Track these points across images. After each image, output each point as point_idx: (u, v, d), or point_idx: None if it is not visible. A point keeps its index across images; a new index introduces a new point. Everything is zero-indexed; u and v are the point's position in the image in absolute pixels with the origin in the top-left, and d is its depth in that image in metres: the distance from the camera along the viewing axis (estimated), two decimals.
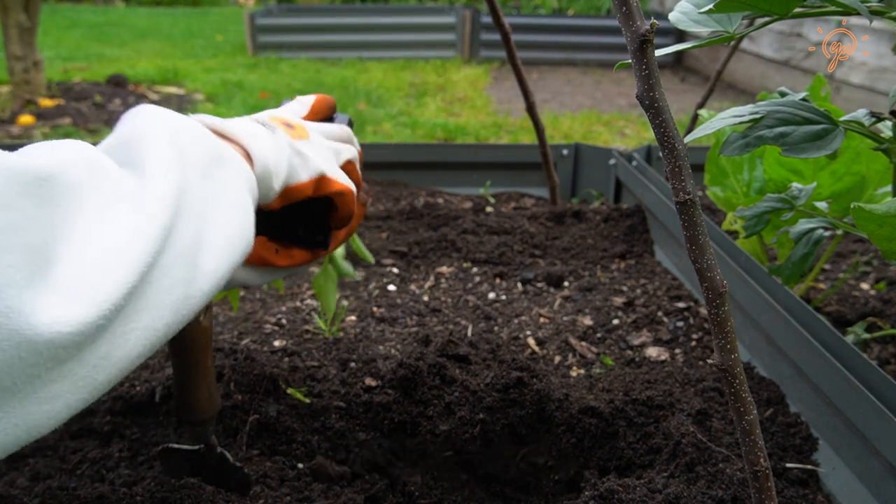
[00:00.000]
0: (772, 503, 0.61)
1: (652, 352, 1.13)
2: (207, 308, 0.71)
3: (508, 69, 4.99)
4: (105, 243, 0.45)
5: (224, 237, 0.56)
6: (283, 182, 0.69)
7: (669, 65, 5.50)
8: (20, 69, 3.71)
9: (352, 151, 0.83)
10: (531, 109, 1.64)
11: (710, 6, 0.58)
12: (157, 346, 0.49)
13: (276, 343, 1.11)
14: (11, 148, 0.50)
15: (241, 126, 0.68)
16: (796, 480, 0.85)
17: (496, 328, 1.19)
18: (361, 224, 1.62)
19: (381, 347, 1.10)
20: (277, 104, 0.89)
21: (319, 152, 0.76)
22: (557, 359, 1.11)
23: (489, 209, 1.76)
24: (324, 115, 0.87)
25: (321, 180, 0.74)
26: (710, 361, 1.09)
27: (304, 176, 0.72)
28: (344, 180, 0.78)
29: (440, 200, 1.81)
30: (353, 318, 1.22)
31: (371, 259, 1.05)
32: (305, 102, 0.85)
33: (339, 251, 0.98)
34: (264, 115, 0.76)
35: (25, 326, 0.38)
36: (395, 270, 1.42)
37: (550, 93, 4.57)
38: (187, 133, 0.59)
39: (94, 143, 0.55)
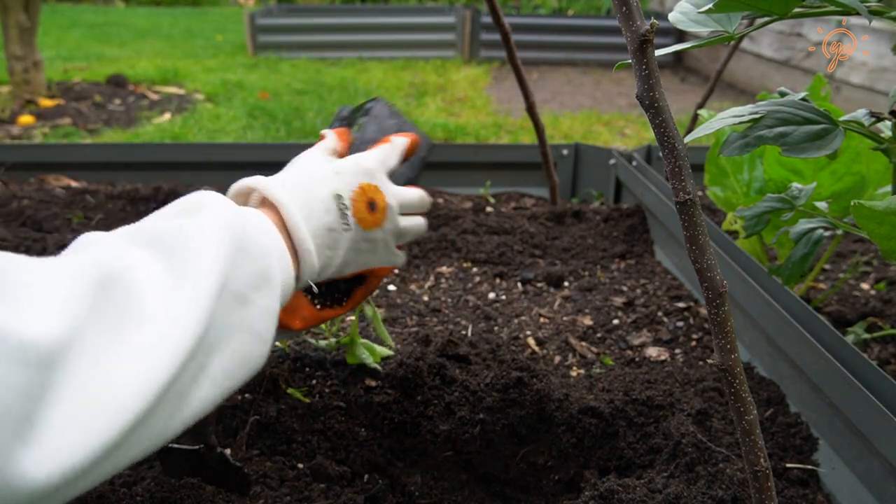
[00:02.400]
0: (772, 503, 0.61)
1: (652, 352, 1.13)
2: None
3: (508, 69, 4.99)
4: (101, 396, 0.43)
5: (227, 369, 0.53)
6: (324, 277, 0.70)
7: (669, 65, 5.50)
8: (20, 69, 3.71)
9: (419, 228, 0.83)
10: (531, 109, 1.64)
11: (710, 6, 0.58)
12: (115, 472, 0.47)
13: (277, 343, 1.12)
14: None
15: (310, 226, 0.67)
16: (796, 480, 0.85)
17: (496, 328, 1.19)
18: None
19: (381, 347, 1.10)
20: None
21: (382, 245, 0.76)
22: (557, 359, 1.11)
23: (489, 209, 1.76)
24: (410, 154, 0.87)
25: (367, 272, 0.76)
26: (710, 361, 1.09)
27: (348, 271, 0.73)
28: (391, 264, 0.79)
29: (440, 200, 1.81)
30: (353, 317, 1.22)
31: (391, 346, 1.03)
32: (398, 147, 0.82)
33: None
34: (355, 181, 0.73)
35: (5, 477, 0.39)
36: (395, 270, 1.42)
37: (550, 93, 4.57)
38: (247, 247, 0.56)
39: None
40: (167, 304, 0.48)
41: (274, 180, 0.69)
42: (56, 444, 0.41)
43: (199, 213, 0.56)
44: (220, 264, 0.52)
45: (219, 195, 0.61)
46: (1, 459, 0.39)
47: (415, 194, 0.83)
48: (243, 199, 0.71)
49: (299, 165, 0.75)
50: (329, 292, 0.81)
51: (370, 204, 0.73)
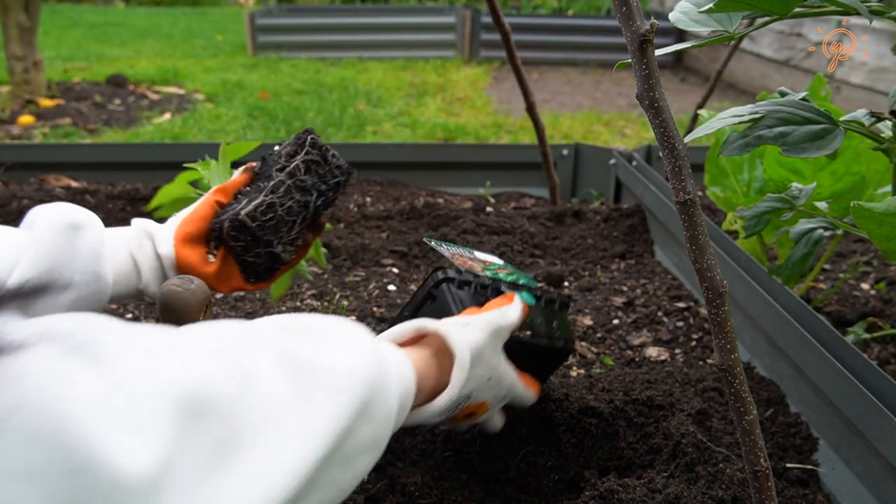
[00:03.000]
0: (772, 503, 0.61)
1: (652, 352, 1.13)
2: (207, 307, 0.71)
3: (508, 69, 4.98)
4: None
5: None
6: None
7: (669, 65, 5.50)
8: (20, 69, 3.71)
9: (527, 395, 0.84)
10: (531, 109, 1.64)
11: (710, 6, 0.58)
12: None
13: None
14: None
15: (470, 395, 0.71)
16: (796, 480, 0.85)
17: None
18: (362, 223, 1.62)
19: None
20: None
21: (507, 396, 0.80)
22: None
23: (489, 209, 1.76)
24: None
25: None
26: (710, 361, 1.09)
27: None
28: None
29: (440, 200, 1.81)
30: (353, 317, 1.22)
31: (324, 264, 1.11)
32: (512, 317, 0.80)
33: None
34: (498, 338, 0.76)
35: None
36: (395, 270, 1.42)
37: (550, 93, 4.56)
38: (373, 410, 0.53)
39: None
40: (270, 447, 0.44)
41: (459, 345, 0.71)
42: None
43: (343, 348, 0.54)
44: (342, 423, 0.49)
45: (366, 332, 0.59)
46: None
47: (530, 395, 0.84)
48: (416, 335, 0.73)
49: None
50: (259, 270, 0.87)
51: (467, 415, 0.77)
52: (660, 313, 1.25)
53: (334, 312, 1.21)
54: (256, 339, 0.49)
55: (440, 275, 0.82)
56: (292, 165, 0.85)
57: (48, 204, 0.79)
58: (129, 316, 1.23)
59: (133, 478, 0.35)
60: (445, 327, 0.71)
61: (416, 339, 0.73)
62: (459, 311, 0.79)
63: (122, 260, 0.81)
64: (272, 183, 0.84)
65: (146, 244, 0.82)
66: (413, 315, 0.85)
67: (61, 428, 0.34)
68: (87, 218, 0.79)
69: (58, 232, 0.75)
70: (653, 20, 0.50)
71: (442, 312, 0.81)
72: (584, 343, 1.16)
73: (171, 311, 0.67)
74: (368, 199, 1.84)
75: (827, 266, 1.47)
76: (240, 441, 0.42)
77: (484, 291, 0.83)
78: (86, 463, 0.34)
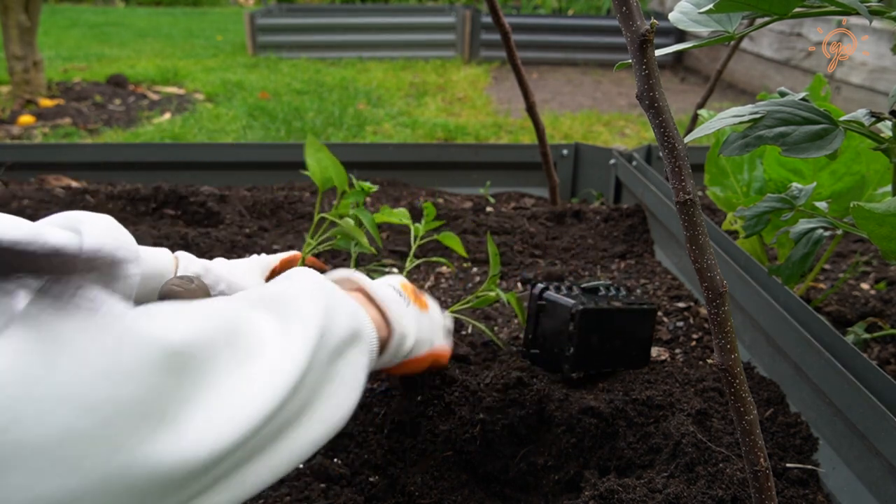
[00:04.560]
0: (772, 503, 0.61)
1: (652, 352, 1.13)
2: None
3: (508, 69, 4.98)
4: (225, 408, 0.48)
5: (325, 416, 0.60)
6: (408, 352, 0.78)
7: (669, 65, 5.50)
8: (20, 69, 3.71)
9: (450, 322, 0.94)
10: (531, 109, 1.64)
11: (710, 6, 0.58)
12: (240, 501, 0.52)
13: None
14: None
15: (390, 297, 0.76)
16: (796, 480, 0.85)
17: (496, 328, 1.19)
18: None
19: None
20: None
21: (435, 325, 0.87)
22: None
23: (489, 209, 1.76)
24: None
25: (434, 355, 0.85)
26: (710, 361, 1.09)
27: (423, 350, 0.82)
28: (447, 348, 0.90)
29: (440, 200, 1.81)
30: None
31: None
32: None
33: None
34: (397, 280, 0.84)
35: (140, 465, 0.42)
36: (395, 270, 1.42)
37: (550, 93, 4.56)
38: (339, 311, 0.63)
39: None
40: (278, 344, 0.55)
41: (356, 274, 0.79)
42: (191, 436, 0.45)
43: (297, 280, 0.64)
44: (318, 318, 0.59)
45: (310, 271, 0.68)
46: (135, 453, 0.42)
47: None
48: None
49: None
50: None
51: (415, 293, 0.84)
52: (660, 313, 1.24)
53: None
54: (231, 302, 0.58)
55: (539, 287, 1.00)
56: None
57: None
58: None
59: (177, 340, 0.45)
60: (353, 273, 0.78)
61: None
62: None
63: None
64: None
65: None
66: (534, 331, 1.00)
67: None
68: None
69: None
70: (653, 20, 0.50)
71: (556, 316, 0.97)
72: None
73: None
74: (368, 200, 1.84)
75: (827, 266, 1.47)
76: (258, 347, 0.53)
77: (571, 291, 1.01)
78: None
